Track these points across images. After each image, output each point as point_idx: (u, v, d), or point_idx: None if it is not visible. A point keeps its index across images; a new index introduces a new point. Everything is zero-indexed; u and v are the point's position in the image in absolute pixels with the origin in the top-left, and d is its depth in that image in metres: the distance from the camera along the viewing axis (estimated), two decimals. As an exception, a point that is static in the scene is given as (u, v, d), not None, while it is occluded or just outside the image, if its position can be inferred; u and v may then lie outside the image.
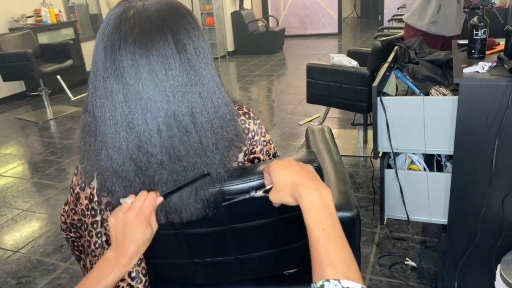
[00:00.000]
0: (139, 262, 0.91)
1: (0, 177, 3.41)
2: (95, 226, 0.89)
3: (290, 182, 0.75)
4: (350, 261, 0.68)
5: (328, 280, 0.64)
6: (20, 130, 4.55)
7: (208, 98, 0.80)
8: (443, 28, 2.80)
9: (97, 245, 0.90)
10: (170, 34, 0.76)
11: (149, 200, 0.78)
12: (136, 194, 0.81)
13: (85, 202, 0.89)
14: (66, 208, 0.99)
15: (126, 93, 0.76)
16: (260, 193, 0.82)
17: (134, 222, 0.77)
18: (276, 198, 0.77)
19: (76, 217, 0.96)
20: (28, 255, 2.35)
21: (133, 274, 0.90)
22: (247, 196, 0.83)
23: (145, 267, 0.93)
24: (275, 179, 0.77)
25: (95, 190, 0.86)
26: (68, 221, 1.00)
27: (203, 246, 0.95)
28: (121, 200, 0.80)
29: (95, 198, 0.87)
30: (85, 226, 0.91)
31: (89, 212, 0.88)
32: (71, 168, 3.45)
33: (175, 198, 0.82)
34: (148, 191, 0.80)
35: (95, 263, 0.91)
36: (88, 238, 0.91)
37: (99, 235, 0.90)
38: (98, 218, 0.88)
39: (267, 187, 0.81)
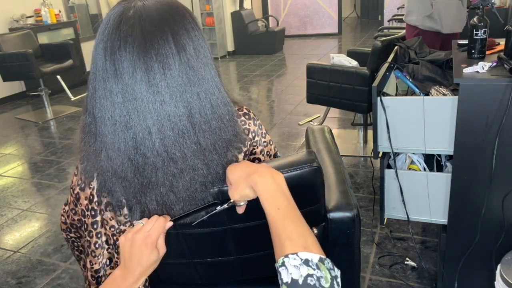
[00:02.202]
0: None
1: (0, 177, 3.41)
2: (95, 226, 0.89)
3: (245, 174, 0.79)
4: (307, 234, 0.71)
5: (287, 256, 0.67)
6: (20, 130, 4.54)
7: (206, 99, 0.80)
8: (438, 23, 2.75)
9: (97, 245, 0.90)
10: (170, 34, 0.76)
11: (158, 225, 0.80)
12: (136, 196, 0.81)
13: (85, 202, 0.89)
14: (66, 208, 0.99)
15: (124, 94, 0.76)
16: (225, 205, 0.83)
17: (141, 245, 0.78)
18: (235, 194, 0.80)
19: (76, 217, 0.96)
20: (28, 255, 2.35)
21: None
22: (215, 211, 0.83)
23: None
24: (231, 177, 0.81)
25: (95, 191, 0.86)
26: (68, 221, 1.00)
27: (203, 246, 0.95)
28: (134, 222, 0.81)
29: (95, 199, 0.87)
30: (85, 226, 0.91)
31: (89, 213, 0.88)
32: (71, 168, 3.45)
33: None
34: (160, 215, 0.81)
35: (95, 263, 0.92)
36: (88, 238, 0.91)
37: (99, 235, 0.90)
38: (98, 218, 0.88)
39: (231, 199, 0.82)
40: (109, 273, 0.94)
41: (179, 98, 0.77)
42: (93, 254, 0.92)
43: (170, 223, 0.81)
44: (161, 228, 0.80)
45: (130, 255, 0.79)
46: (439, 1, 2.69)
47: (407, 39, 2.54)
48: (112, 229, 0.88)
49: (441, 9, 2.70)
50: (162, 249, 0.82)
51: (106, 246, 0.92)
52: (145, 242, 0.78)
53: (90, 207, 0.88)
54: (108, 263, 0.94)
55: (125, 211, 0.85)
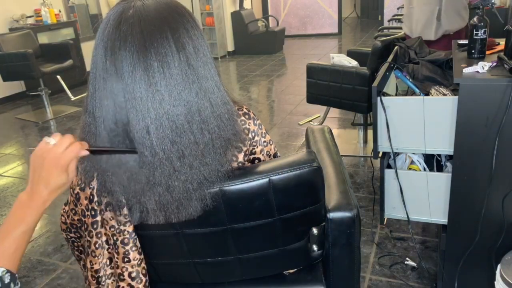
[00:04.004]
0: (139, 262, 0.91)
1: (0, 177, 3.41)
2: (95, 226, 0.89)
3: None
4: None
5: None
6: (20, 130, 4.54)
7: (205, 98, 0.80)
8: (409, 27, 2.83)
9: (97, 245, 0.90)
10: (169, 33, 0.77)
11: (72, 148, 0.78)
12: (135, 196, 0.80)
13: (85, 202, 0.89)
14: (66, 208, 0.99)
15: (124, 93, 0.76)
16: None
17: (51, 166, 0.77)
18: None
19: (76, 217, 0.96)
20: (28, 255, 2.35)
21: (133, 274, 0.90)
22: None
23: (145, 267, 0.93)
24: None
25: (95, 191, 0.86)
26: (68, 221, 1.00)
27: (203, 246, 0.95)
28: (45, 138, 0.79)
29: (95, 199, 0.87)
30: (85, 226, 0.91)
31: (89, 213, 0.89)
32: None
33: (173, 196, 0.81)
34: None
35: (95, 263, 0.92)
36: (88, 238, 0.91)
37: (99, 235, 0.90)
38: (98, 218, 0.88)
39: None
40: (109, 273, 0.94)
41: (178, 97, 0.77)
42: (93, 254, 0.91)
43: (86, 152, 0.79)
44: (74, 153, 0.78)
45: (39, 176, 0.77)
46: (414, 6, 2.74)
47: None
48: (112, 229, 0.88)
49: (414, 14, 2.75)
50: (72, 174, 0.80)
51: (106, 246, 0.92)
52: (55, 163, 0.77)
53: (90, 207, 0.88)
54: (108, 263, 0.94)
55: (125, 211, 0.85)
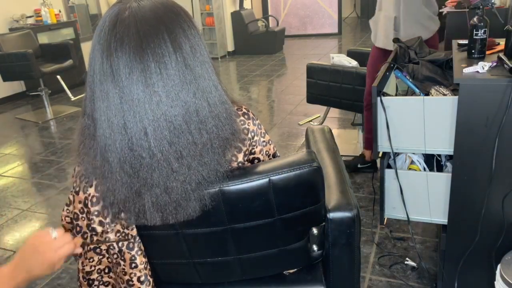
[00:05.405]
0: (145, 266, 0.91)
1: (0, 177, 3.41)
2: (90, 228, 0.89)
3: None
4: None
5: None
6: (20, 130, 4.54)
7: (203, 98, 0.79)
8: (373, 34, 2.76)
9: (89, 248, 0.91)
10: (166, 33, 0.76)
11: (68, 247, 0.81)
12: (133, 198, 0.80)
13: (79, 206, 0.88)
14: (71, 208, 0.99)
15: (121, 95, 0.76)
16: None
17: (43, 259, 0.78)
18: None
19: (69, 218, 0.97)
20: (28, 255, 2.35)
21: (142, 278, 0.91)
22: None
23: (150, 269, 0.94)
24: None
25: (92, 193, 0.86)
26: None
27: (203, 246, 0.95)
28: (49, 229, 0.81)
29: (92, 202, 0.86)
30: (78, 228, 0.90)
31: (84, 215, 0.88)
32: (71, 168, 3.44)
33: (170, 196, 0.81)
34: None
35: (87, 265, 0.92)
36: (82, 241, 0.91)
37: (92, 239, 0.90)
38: (96, 225, 0.88)
39: None
40: (106, 281, 0.95)
41: (176, 98, 0.77)
42: (85, 256, 0.92)
43: (80, 250, 0.82)
44: (69, 252, 0.80)
45: (26, 261, 0.79)
46: (380, 15, 2.65)
47: None
48: (118, 234, 0.87)
49: (377, 22, 2.67)
50: (58, 266, 0.82)
51: (107, 255, 0.91)
52: (47, 258, 0.78)
53: (85, 210, 0.88)
54: (106, 271, 0.94)
55: (122, 215, 0.84)
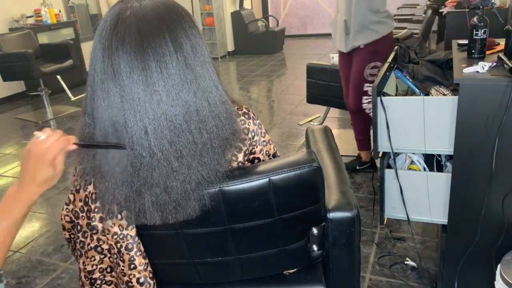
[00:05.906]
0: (145, 267, 0.91)
1: (0, 177, 3.41)
2: (89, 227, 0.89)
3: None
4: None
5: None
6: (20, 130, 4.54)
7: (203, 97, 0.80)
8: (332, 34, 2.73)
9: (90, 247, 0.91)
10: (167, 33, 0.76)
11: (58, 142, 0.79)
12: (133, 197, 0.80)
13: (79, 204, 0.88)
14: (71, 207, 0.99)
15: (122, 94, 0.76)
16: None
17: (36, 160, 0.78)
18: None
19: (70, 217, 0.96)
20: (28, 255, 2.35)
21: (142, 280, 0.91)
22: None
23: (151, 270, 0.93)
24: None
25: (91, 193, 0.86)
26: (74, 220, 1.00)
27: (203, 246, 0.95)
28: (35, 133, 0.80)
29: (92, 201, 0.87)
30: (79, 227, 0.90)
31: (84, 214, 0.88)
32: (71, 168, 3.43)
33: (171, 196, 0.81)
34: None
35: (88, 264, 0.92)
36: (82, 239, 0.91)
37: (99, 240, 0.90)
38: (97, 223, 0.88)
39: None
40: (109, 281, 0.94)
41: (176, 97, 0.77)
42: (86, 255, 0.91)
43: (74, 146, 0.80)
44: (60, 146, 0.79)
45: (26, 170, 0.78)
46: (337, 17, 2.63)
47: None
48: (115, 236, 0.87)
49: (338, 22, 2.61)
50: (60, 167, 0.81)
51: (109, 255, 0.91)
52: (41, 158, 0.77)
53: (85, 209, 0.88)
54: (108, 270, 0.94)
55: (123, 214, 0.84)
